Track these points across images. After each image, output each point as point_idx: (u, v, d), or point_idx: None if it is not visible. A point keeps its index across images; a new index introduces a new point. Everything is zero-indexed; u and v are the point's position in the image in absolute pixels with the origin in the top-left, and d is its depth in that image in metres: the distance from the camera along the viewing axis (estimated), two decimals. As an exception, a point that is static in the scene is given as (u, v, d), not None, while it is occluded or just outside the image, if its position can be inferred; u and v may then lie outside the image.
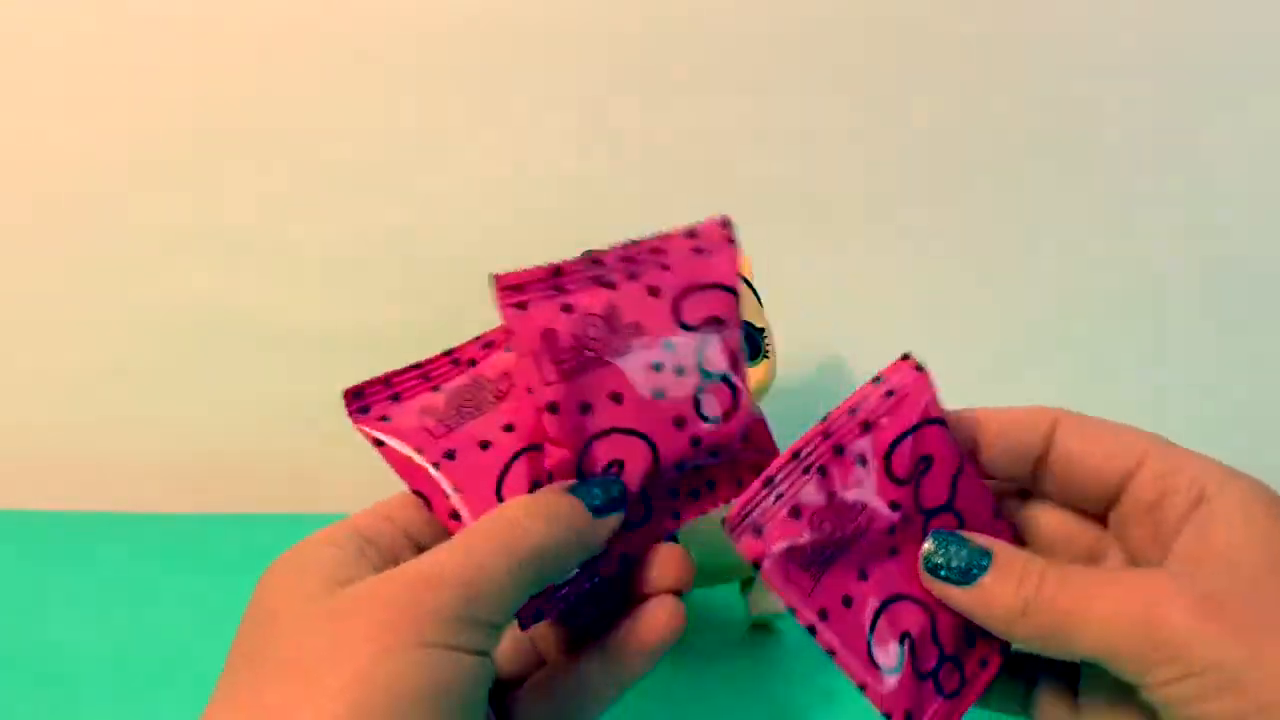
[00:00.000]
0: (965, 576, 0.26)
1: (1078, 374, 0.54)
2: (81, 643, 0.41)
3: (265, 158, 0.51)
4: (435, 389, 0.30)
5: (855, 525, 0.28)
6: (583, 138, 0.51)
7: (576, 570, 0.27)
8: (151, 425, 0.55)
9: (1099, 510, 0.28)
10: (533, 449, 0.28)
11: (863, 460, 0.28)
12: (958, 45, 0.50)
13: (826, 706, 0.38)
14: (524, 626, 0.27)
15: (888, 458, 0.28)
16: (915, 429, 0.28)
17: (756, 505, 0.27)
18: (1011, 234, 0.53)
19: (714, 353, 0.29)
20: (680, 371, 0.28)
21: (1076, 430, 0.28)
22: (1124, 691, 0.26)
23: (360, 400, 0.30)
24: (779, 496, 0.28)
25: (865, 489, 0.28)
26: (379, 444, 0.29)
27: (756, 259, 0.43)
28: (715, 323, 0.29)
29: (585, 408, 0.28)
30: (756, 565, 0.27)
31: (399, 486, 0.29)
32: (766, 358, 0.40)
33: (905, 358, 0.29)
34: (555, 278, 0.28)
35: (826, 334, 0.54)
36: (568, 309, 0.28)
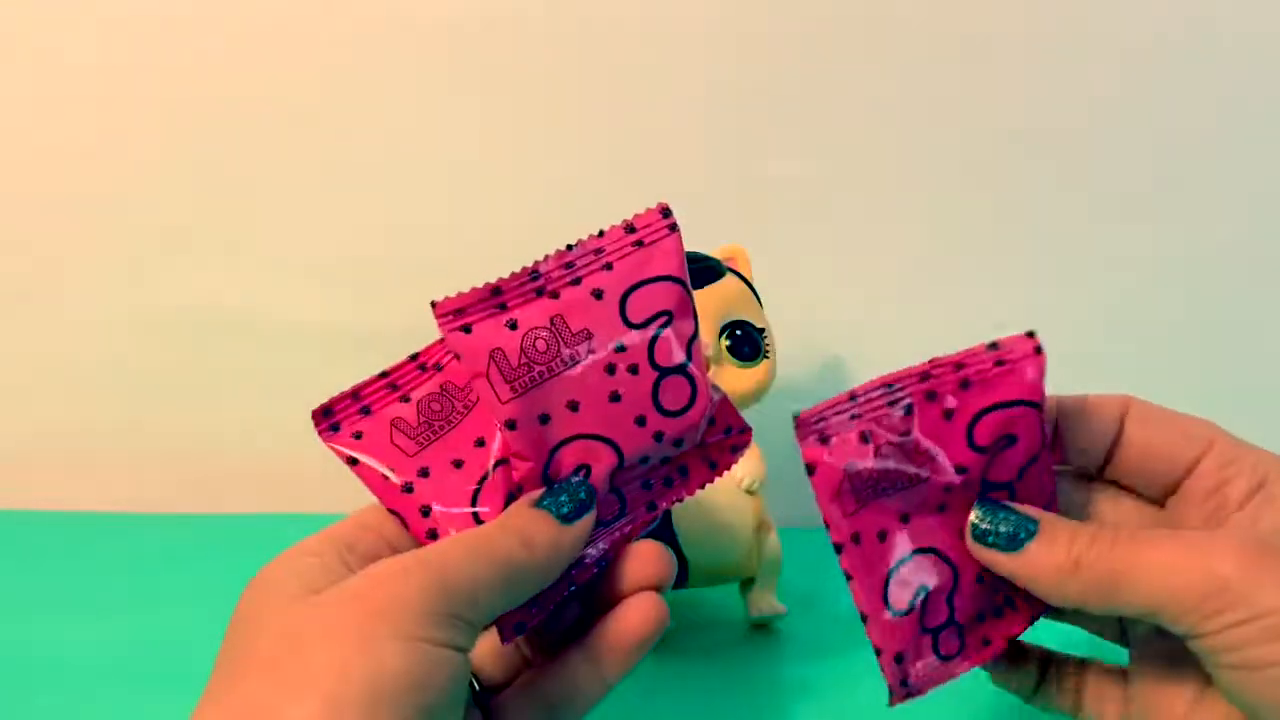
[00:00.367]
0: (1013, 543, 0.27)
1: (1080, 373, 0.54)
2: (81, 643, 0.41)
3: (265, 157, 0.51)
4: (404, 399, 0.30)
5: (917, 473, 0.28)
6: (582, 137, 0.51)
7: (556, 579, 0.27)
8: (151, 425, 0.55)
9: (1160, 495, 0.29)
10: (504, 462, 0.28)
11: (949, 414, 0.28)
12: (958, 45, 0.50)
13: (826, 706, 0.38)
14: (506, 639, 0.27)
15: (974, 423, 0.28)
16: (1011, 405, 0.28)
17: (832, 415, 0.28)
18: (1013, 234, 0.53)
19: (666, 347, 0.29)
20: (634, 370, 0.28)
21: (1148, 417, 0.28)
22: (1175, 660, 0.27)
23: (330, 418, 0.30)
24: (855, 416, 0.28)
25: (941, 443, 0.28)
26: (352, 463, 0.29)
27: (756, 259, 0.43)
28: (664, 316, 0.29)
29: (544, 419, 0.28)
30: (810, 469, 0.28)
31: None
32: (766, 358, 0.40)
33: (1030, 335, 0.29)
34: (495, 296, 0.28)
35: (826, 334, 0.54)
36: (513, 325, 0.28)
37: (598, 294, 0.29)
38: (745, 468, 0.40)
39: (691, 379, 0.29)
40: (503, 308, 0.28)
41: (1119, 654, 0.30)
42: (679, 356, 0.29)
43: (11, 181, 0.51)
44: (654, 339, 0.29)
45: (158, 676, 0.38)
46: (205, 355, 0.54)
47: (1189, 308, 0.54)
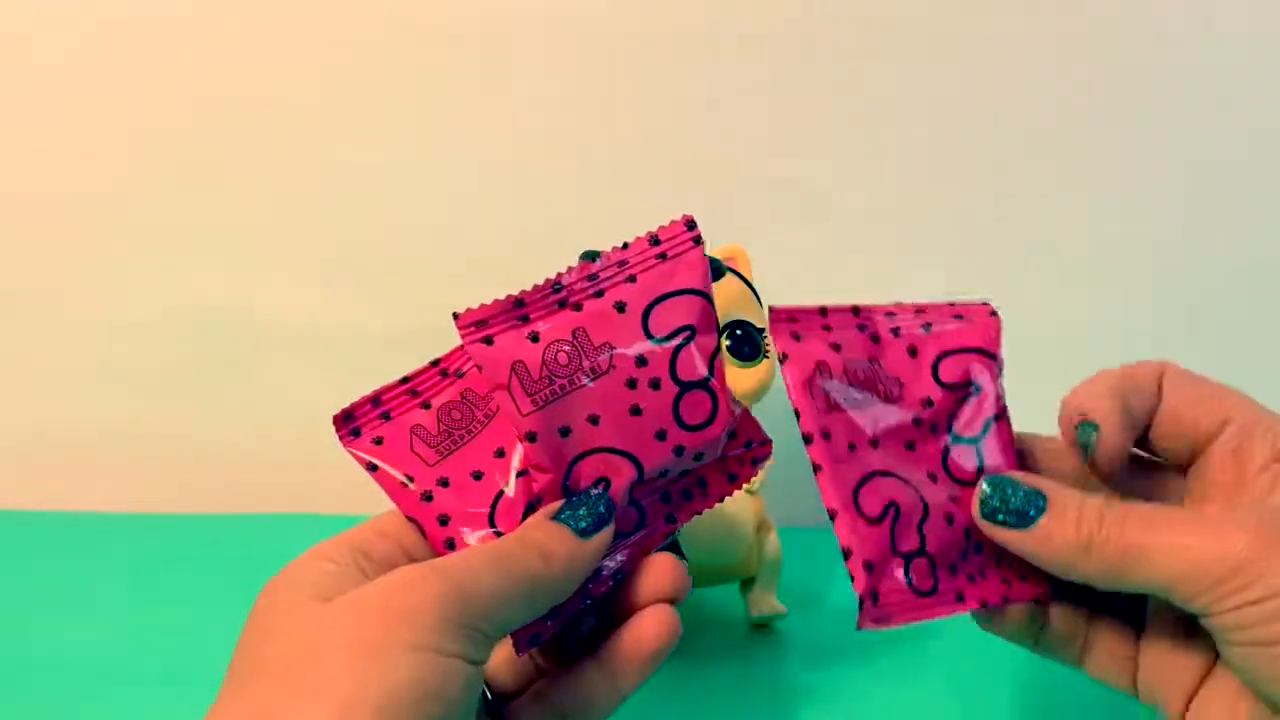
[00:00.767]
0: (1022, 519, 0.27)
1: (1082, 373, 0.54)
2: (81, 643, 0.41)
3: (266, 157, 0.51)
4: (425, 405, 0.30)
5: (888, 391, 0.28)
6: (582, 137, 0.51)
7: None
8: (151, 425, 0.55)
9: (1185, 462, 0.29)
10: (524, 474, 0.28)
11: (913, 351, 0.29)
12: (958, 45, 0.50)
13: (826, 706, 0.38)
14: (520, 651, 0.27)
15: (939, 361, 0.29)
16: (973, 351, 0.29)
17: (804, 318, 0.29)
18: (1014, 234, 0.53)
19: (689, 361, 0.29)
20: (655, 385, 0.28)
21: (1180, 383, 0.28)
22: (1189, 630, 0.27)
23: (351, 423, 0.30)
24: (827, 329, 0.29)
25: (906, 375, 0.29)
26: (372, 469, 0.29)
27: (757, 259, 0.43)
28: (687, 330, 0.29)
29: (565, 432, 0.28)
30: (783, 357, 0.28)
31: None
32: (766, 357, 0.40)
33: (984, 303, 0.30)
34: (518, 308, 0.28)
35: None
36: (534, 337, 0.28)
37: (620, 307, 0.29)
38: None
39: (713, 394, 0.29)
40: (525, 319, 0.28)
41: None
42: (701, 371, 0.29)
43: (11, 181, 0.51)
44: (676, 353, 0.29)
45: (158, 676, 0.39)
46: (205, 355, 0.54)
47: (1190, 308, 0.54)
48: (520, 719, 0.28)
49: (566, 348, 0.28)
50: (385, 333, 0.53)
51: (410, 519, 0.29)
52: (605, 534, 0.27)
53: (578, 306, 0.29)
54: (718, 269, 0.41)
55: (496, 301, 0.28)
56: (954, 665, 0.40)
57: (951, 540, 0.28)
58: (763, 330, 0.41)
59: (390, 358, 0.45)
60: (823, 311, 0.30)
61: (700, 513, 0.30)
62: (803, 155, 0.51)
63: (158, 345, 0.53)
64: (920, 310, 0.30)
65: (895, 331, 0.30)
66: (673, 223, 0.30)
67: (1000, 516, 0.27)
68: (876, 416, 0.28)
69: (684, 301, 0.29)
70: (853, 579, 0.27)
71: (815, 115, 0.51)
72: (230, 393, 0.54)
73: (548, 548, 0.26)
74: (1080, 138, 0.51)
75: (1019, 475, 0.28)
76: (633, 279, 0.29)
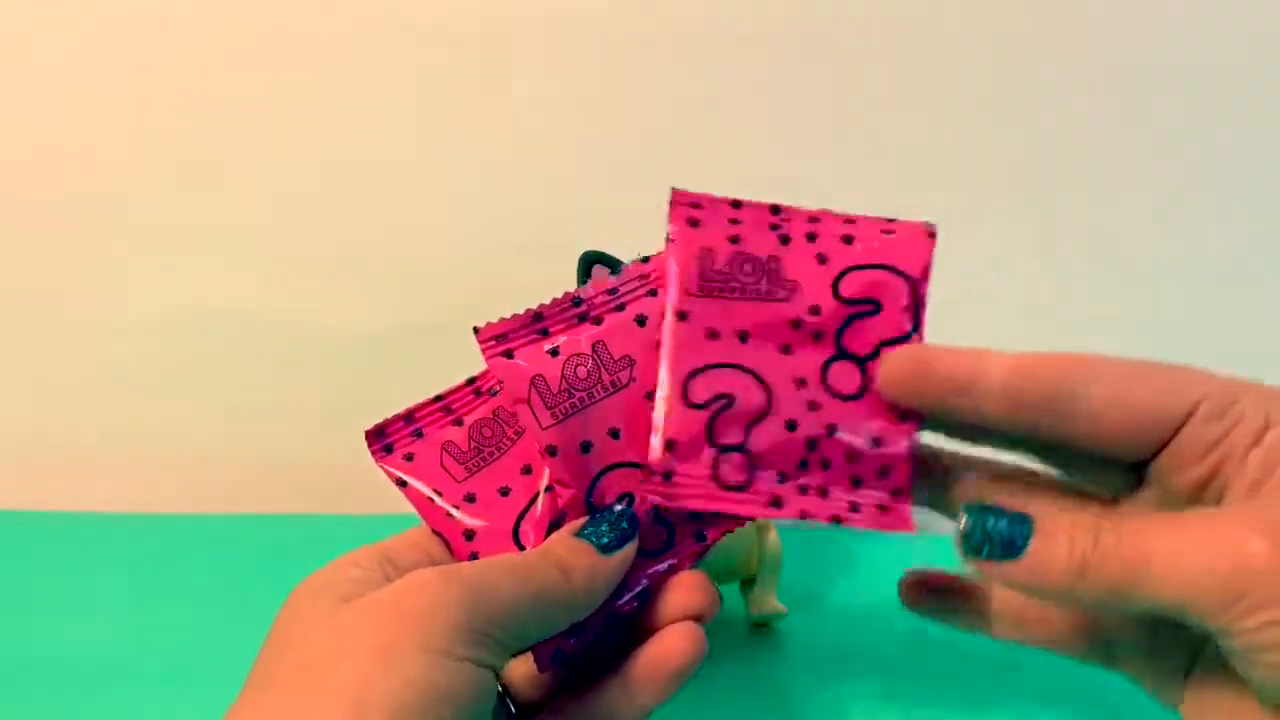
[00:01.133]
0: (1010, 549, 0.24)
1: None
2: (81, 644, 0.41)
3: (266, 157, 0.51)
4: (457, 422, 0.30)
5: (771, 289, 0.28)
6: (582, 137, 0.51)
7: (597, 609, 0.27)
8: (152, 425, 0.55)
9: (1143, 456, 0.26)
10: (550, 489, 0.28)
11: (823, 259, 0.28)
12: (958, 45, 0.50)
13: (826, 707, 0.38)
14: (543, 669, 0.27)
15: (844, 274, 0.28)
16: (884, 268, 0.28)
17: (711, 207, 0.29)
18: (1013, 233, 0.53)
19: None
20: None
21: (1124, 372, 0.25)
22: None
23: (383, 439, 0.30)
24: (734, 222, 0.29)
25: (805, 279, 0.28)
26: (402, 484, 0.29)
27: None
28: None
29: (586, 447, 0.28)
30: (669, 239, 0.28)
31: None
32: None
33: (924, 224, 0.30)
34: (537, 322, 0.29)
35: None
36: (554, 352, 0.28)
37: (641, 320, 0.29)
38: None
39: None
40: (544, 333, 0.28)
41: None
42: None
43: (11, 181, 0.51)
44: None
45: (158, 676, 0.39)
46: (205, 355, 0.54)
47: (1191, 308, 0.54)
48: None
49: (587, 361, 0.28)
50: (385, 333, 0.53)
51: (436, 533, 0.29)
52: (628, 550, 0.27)
53: (598, 320, 0.29)
54: None
55: (516, 316, 0.29)
56: (955, 666, 0.40)
57: (784, 445, 0.27)
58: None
59: (390, 358, 0.45)
60: (736, 204, 0.29)
61: (731, 530, 0.29)
62: (803, 155, 0.51)
63: (158, 345, 0.53)
64: (851, 221, 0.29)
65: (810, 236, 0.29)
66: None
67: (986, 550, 0.24)
68: (751, 312, 0.28)
69: None
70: (650, 450, 0.27)
71: (815, 115, 0.51)
72: (230, 393, 0.54)
73: (568, 562, 0.26)
74: (1081, 137, 0.51)
75: (1000, 500, 0.25)
76: (653, 293, 0.29)
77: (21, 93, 0.50)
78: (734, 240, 0.29)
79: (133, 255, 0.52)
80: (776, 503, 0.27)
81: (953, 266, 0.53)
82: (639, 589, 0.28)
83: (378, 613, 0.23)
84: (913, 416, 0.28)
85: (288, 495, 0.53)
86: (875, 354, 0.28)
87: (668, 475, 0.27)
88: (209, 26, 0.49)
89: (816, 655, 0.41)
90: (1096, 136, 0.52)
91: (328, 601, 0.24)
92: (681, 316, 0.28)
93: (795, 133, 0.51)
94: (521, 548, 0.28)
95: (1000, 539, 0.24)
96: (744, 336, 0.28)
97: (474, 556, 0.28)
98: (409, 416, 0.30)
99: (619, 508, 0.28)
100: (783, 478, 0.27)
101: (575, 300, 0.29)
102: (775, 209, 0.29)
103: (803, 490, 0.27)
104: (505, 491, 0.29)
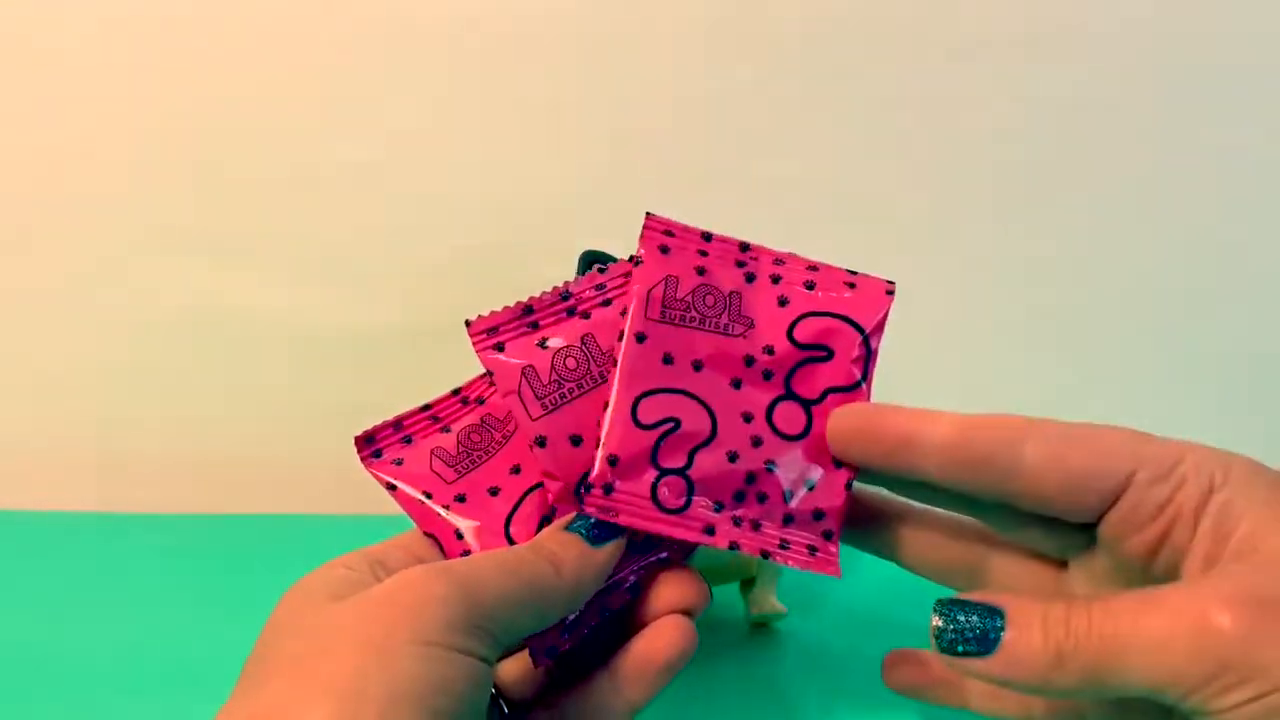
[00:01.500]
0: (984, 644, 0.24)
1: (1078, 377, 0.54)
2: (81, 643, 0.41)
3: (265, 158, 0.51)
4: (445, 429, 0.30)
5: (730, 324, 0.29)
6: (582, 137, 0.51)
7: (587, 602, 0.28)
8: (152, 425, 0.55)
9: (1087, 519, 0.26)
10: (540, 486, 0.29)
11: (783, 302, 0.29)
12: (958, 45, 0.50)
13: (826, 707, 0.38)
14: (537, 663, 0.27)
15: (800, 319, 0.29)
16: (839, 318, 0.29)
17: (683, 233, 0.30)
18: (1013, 233, 0.53)
19: None
20: None
21: (1061, 436, 0.26)
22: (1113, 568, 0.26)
23: (372, 445, 0.30)
24: (703, 254, 0.30)
25: (762, 319, 0.29)
26: (391, 488, 0.29)
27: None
28: None
29: (576, 440, 0.28)
30: (637, 260, 0.29)
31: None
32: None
33: (888, 282, 0.30)
34: (527, 315, 0.29)
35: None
36: (543, 344, 0.29)
37: (627, 314, 0.29)
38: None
39: None
40: (534, 326, 0.29)
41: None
42: None
43: (11, 181, 0.51)
44: None
45: (158, 676, 0.38)
46: (205, 355, 0.54)
47: (1192, 308, 0.54)
48: None
49: (576, 354, 0.29)
50: (385, 333, 0.53)
51: (428, 534, 0.29)
52: (617, 543, 0.27)
53: (586, 315, 0.29)
54: None
55: (506, 309, 0.29)
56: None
57: (725, 476, 0.28)
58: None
59: (390, 357, 0.45)
60: (706, 236, 0.30)
61: None
62: (803, 155, 0.51)
63: (158, 345, 0.53)
64: (814, 268, 0.30)
65: (775, 279, 0.30)
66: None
67: (961, 648, 0.24)
68: (707, 343, 0.29)
69: None
70: (593, 463, 0.27)
71: (815, 115, 0.51)
72: (230, 393, 0.54)
73: (558, 555, 0.26)
74: (1081, 138, 0.51)
75: (969, 594, 0.25)
76: None
77: (22, 93, 0.50)
78: (700, 271, 0.29)
79: (134, 255, 0.52)
80: (710, 530, 0.28)
81: (952, 267, 0.53)
82: (630, 583, 0.28)
83: (370, 608, 0.23)
84: (851, 465, 0.29)
85: (288, 495, 0.53)
86: (822, 399, 0.29)
87: (608, 489, 0.27)
88: (209, 26, 0.49)
89: (816, 655, 0.41)
90: (1097, 136, 0.52)
91: (319, 600, 0.24)
92: (639, 338, 0.28)
93: (795, 133, 0.51)
94: (513, 544, 0.28)
95: (974, 634, 0.24)
96: (697, 366, 0.28)
97: (465, 554, 0.28)
98: (397, 424, 0.31)
99: None
100: (719, 506, 0.28)
101: (564, 295, 0.29)
102: (744, 246, 0.30)
103: (736, 522, 0.28)
104: (495, 491, 0.29)
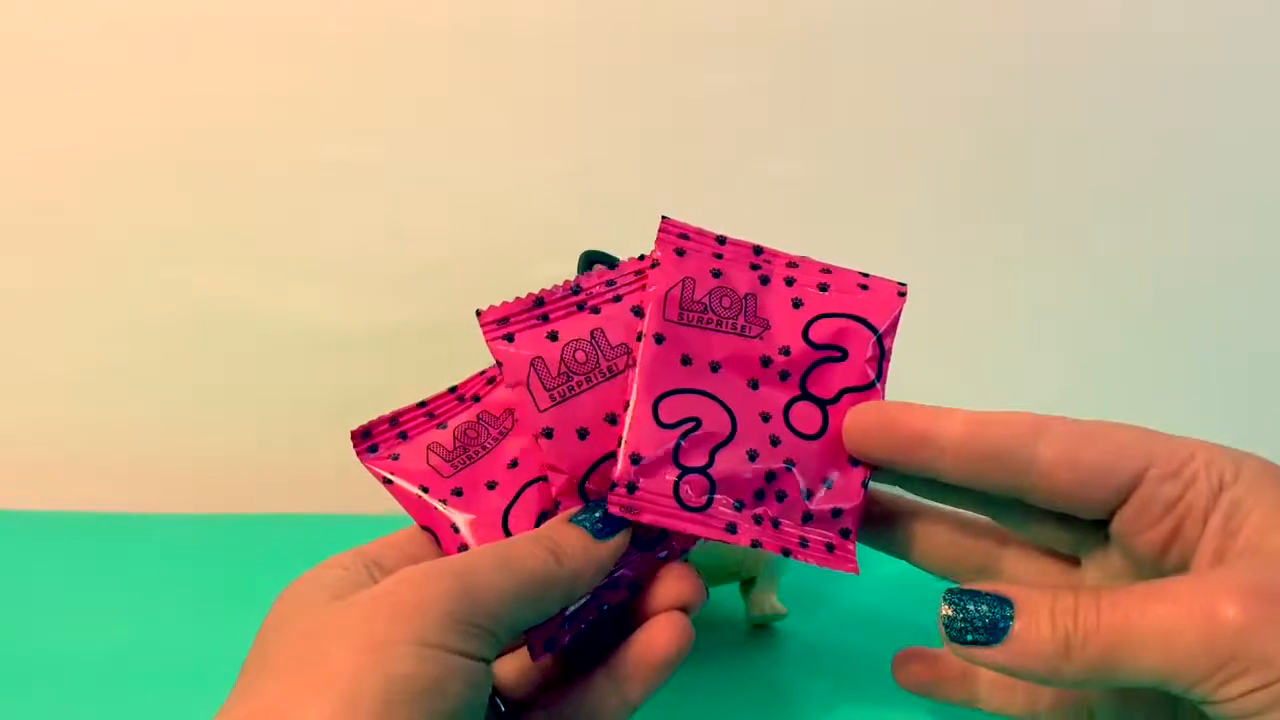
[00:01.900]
0: (993, 633, 0.24)
1: (1078, 377, 0.54)
2: (81, 643, 0.41)
3: (265, 157, 0.51)
4: (441, 426, 0.30)
5: (746, 325, 0.29)
6: (581, 137, 0.51)
7: (586, 598, 0.28)
8: (151, 425, 0.55)
9: (1099, 515, 0.27)
10: (540, 480, 0.29)
11: (798, 304, 0.30)
12: (958, 46, 0.50)
13: (826, 707, 0.38)
14: (536, 657, 0.27)
15: (815, 320, 0.29)
16: (854, 319, 0.29)
17: (697, 236, 0.30)
18: (1013, 234, 0.53)
19: None
20: None
21: (1073, 433, 0.26)
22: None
23: (368, 440, 0.30)
24: (718, 256, 0.30)
25: (778, 320, 0.29)
26: (387, 482, 0.29)
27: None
28: None
29: (583, 433, 0.28)
30: (655, 262, 0.29)
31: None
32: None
33: (898, 282, 0.31)
34: (538, 307, 0.29)
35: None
36: (553, 336, 0.29)
37: (637, 311, 0.29)
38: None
39: None
40: (545, 319, 0.29)
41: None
42: None
43: (11, 181, 0.51)
44: None
45: (158, 676, 0.38)
46: (205, 355, 0.54)
47: (1193, 309, 0.54)
48: None
49: (585, 347, 0.29)
50: (385, 332, 0.53)
51: (425, 528, 0.29)
52: (621, 538, 0.27)
53: (596, 309, 0.29)
54: None
55: (518, 300, 0.29)
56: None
57: (745, 475, 0.28)
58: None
59: (390, 357, 0.45)
60: (721, 240, 0.31)
61: None
62: (803, 155, 0.51)
63: (158, 345, 0.53)
64: (828, 270, 0.31)
65: (789, 281, 0.30)
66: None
67: (970, 637, 0.25)
68: (724, 344, 0.29)
69: None
70: (616, 461, 0.28)
71: (815, 115, 0.51)
72: (231, 393, 0.54)
73: (561, 545, 0.26)
74: (1081, 137, 0.52)
75: (978, 584, 0.25)
76: (649, 288, 0.30)
77: (22, 93, 0.50)
78: (716, 274, 0.30)
79: (133, 255, 0.52)
80: (731, 529, 0.28)
81: (952, 267, 0.53)
82: (628, 580, 0.28)
83: (369, 608, 0.23)
84: (868, 463, 0.29)
85: (287, 495, 0.53)
86: (837, 398, 0.29)
87: (631, 488, 0.27)
88: (209, 26, 0.49)
89: (816, 655, 0.41)
90: (1097, 135, 0.52)
91: (316, 600, 0.24)
92: (658, 339, 0.28)
93: (795, 133, 0.51)
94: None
95: (983, 623, 0.25)
96: (715, 367, 0.29)
97: (463, 548, 0.28)
98: (393, 420, 0.31)
99: None
100: (740, 505, 0.28)
101: (575, 288, 0.30)
102: (758, 249, 0.31)
103: (757, 520, 0.28)
104: (492, 485, 0.29)
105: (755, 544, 0.28)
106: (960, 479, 0.27)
